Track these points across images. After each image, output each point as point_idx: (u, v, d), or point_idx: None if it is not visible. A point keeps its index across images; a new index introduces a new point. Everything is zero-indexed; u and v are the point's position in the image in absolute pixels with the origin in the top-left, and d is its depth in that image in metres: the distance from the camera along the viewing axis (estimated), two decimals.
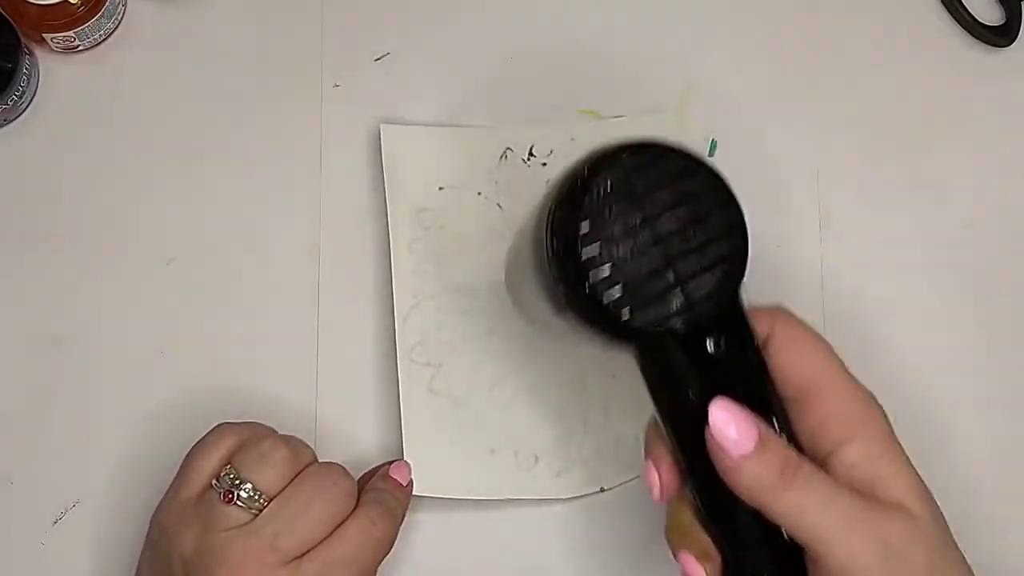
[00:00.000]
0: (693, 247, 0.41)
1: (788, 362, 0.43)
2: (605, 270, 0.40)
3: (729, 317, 0.42)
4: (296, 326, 0.57)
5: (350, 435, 0.56)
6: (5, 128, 0.58)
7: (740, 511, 0.41)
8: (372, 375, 0.56)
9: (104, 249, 0.57)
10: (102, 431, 0.55)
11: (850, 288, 0.59)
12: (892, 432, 0.42)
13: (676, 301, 0.40)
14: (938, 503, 0.42)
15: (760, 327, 0.43)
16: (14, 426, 0.56)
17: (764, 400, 0.42)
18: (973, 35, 0.61)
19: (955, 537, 0.42)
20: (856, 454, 0.41)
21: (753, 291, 0.42)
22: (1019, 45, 0.61)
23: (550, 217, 0.41)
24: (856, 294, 0.59)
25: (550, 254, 0.41)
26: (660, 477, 0.43)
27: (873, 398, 0.43)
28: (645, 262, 0.40)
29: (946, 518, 0.42)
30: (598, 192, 0.40)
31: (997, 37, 0.61)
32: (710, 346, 0.41)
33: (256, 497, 0.47)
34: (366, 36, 0.60)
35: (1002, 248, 0.60)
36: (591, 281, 0.40)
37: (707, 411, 0.40)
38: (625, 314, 0.40)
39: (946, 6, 0.62)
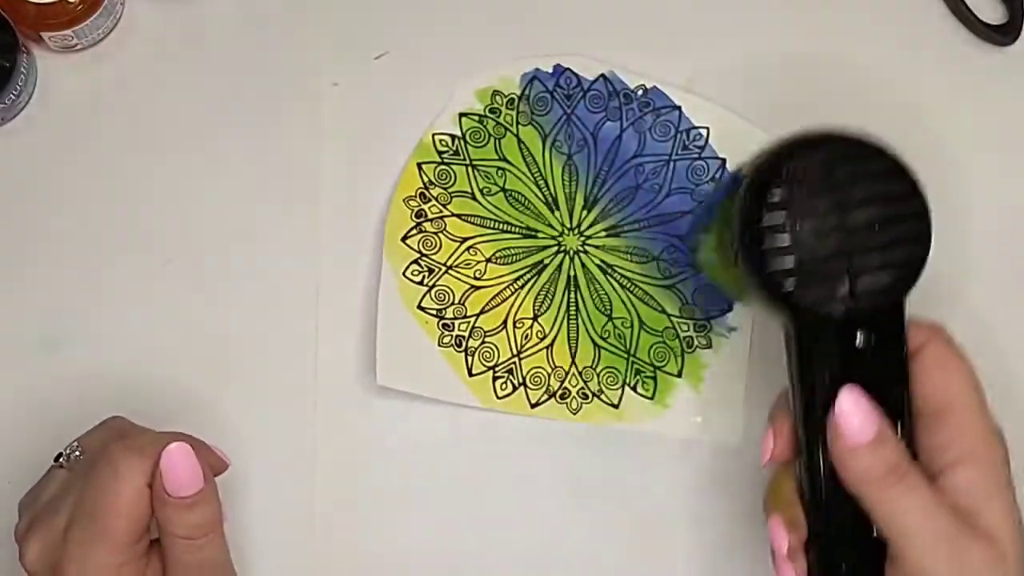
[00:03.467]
0: (874, 245, 0.43)
1: (931, 378, 0.44)
2: (784, 239, 0.42)
3: (888, 319, 0.44)
4: (295, 326, 0.57)
5: (350, 436, 0.56)
6: (3, 127, 0.58)
7: (840, 498, 0.43)
8: (374, 375, 0.56)
9: (102, 249, 0.57)
10: None
11: None
12: (1007, 470, 0.44)
13: (842, 289, 0.43)
14: None
15: (914, 338, 0.44)
16: (11, 427, 0.55)
17: (896, 405, 0.44)
18: (975, 34, 0.61)
19: None
20: (965, 479, 0.43)
21: None
22: (1021, 44, 0.61)
23: (750, 174, 0.44)
24: None
25: (738, 209, 0.43)
26: (775, 445, 0.45)
27: (1000, 434, 0.44)
28: (823, 244, 0.43)
29: None
30: (800, 168, 0.43)
31: (999, 36, 0.61)
32: (860, 340, 0.43)
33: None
34: (366, 36, 0.60)
35: (1004, 246, 0.60)
36: (766, 246, 0.42)
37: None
38: (788, 286, 0.43)
39: (948, 4, 0.62)
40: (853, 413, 0.42)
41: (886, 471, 0.42)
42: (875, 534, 0.43)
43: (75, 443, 0.48)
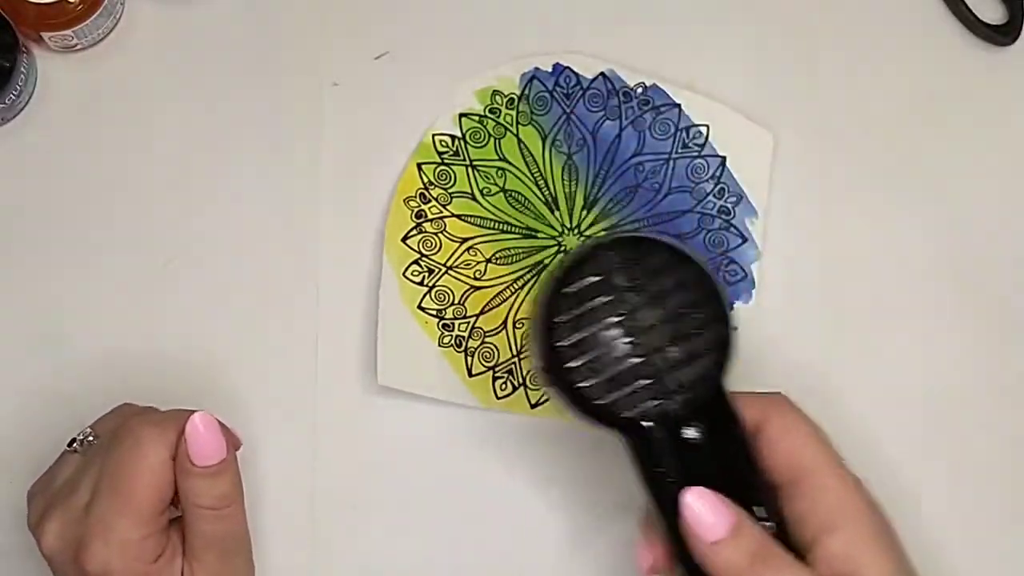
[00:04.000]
0: (674, 339, 0.42)
1: (779, 450, 0.43)
2: (581, 362, 0.42)
3: (712, 406, 0.43)
4: (295, 326, 0.57)
5: (350, 436, 0.56)
6: (3, 127, 0.58)
7: None
8: (374, 375, 0.56)
9: (101, 249, 0.57)
10: None
11: (849, 286, 0.59)
12: (882, 524, 0.43)
13: (656, 392, 0.42)
14: None
15: (753, 413, 0.44)
16: (11, 426, 0.55)
17: (748, 487, 0.43)
18: (975, 33, 0.61)
19: None
20: (839, 545, 0.42)
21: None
22: (1021, 44, 0.61)
23: (535, 307, 0.44)
24: (855, 293, 0.58)
25: (537, 339, 0.43)
26: (650, 559, 0.44)
27: (862, 490, 0.43)
28: (623, 352, 0.42)
29: None
30: (579, 286, 0.43)
31: (999, 36, 0.61)
32: (691, 434, 0.42)
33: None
34: (366, 35, 0.60)
35: (1004, 246, 0.60)
36: (567, 367, 0.42)
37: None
38: (601, 404, 0.42)
39: (948, 4, 0.62)
40: (702, 512, 0.41)
41: (751, 560, 0.40)
42: None
43: (88, 429, 0.49)
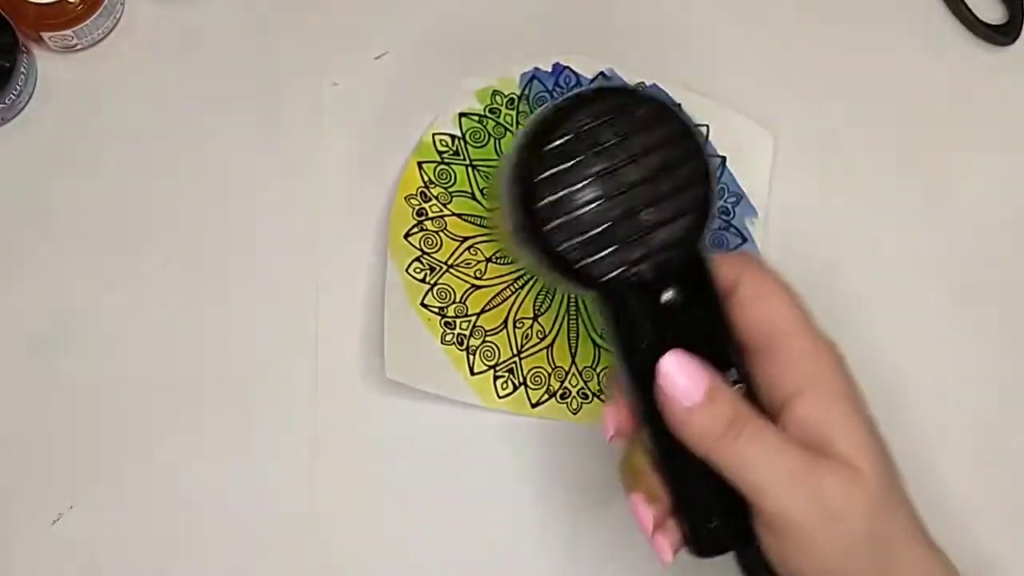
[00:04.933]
0: (656, 198, 0.40)
1: (750, 311, 0.42)
2: (561, 218, 0.40)
3: (690, 268, 0.41)
4: (295, 327, 0.57)
5: (349, 438, 0.56)
6: (3, 127, 0.58)
7: (691, 459, 0.41)
8: (374, 375, 0.56)
9: (101, 249, 0.57)
10: (100, 432, 0.55)
11: (849, 286, 0.59)
12: (850, 389, 0.42)
13: (635, 252, 0.40)
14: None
15: (726, 275, 0.42)
16: (11, 427, 0.55)
17: (722, 351, 0.42)
18: (975, 34, 0.61)
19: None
20: (808, 408, 0.41)
21: None
22: (1021, 44, 0.61)
23: (513, 161, 0.41)
24: (855, 292, 0.59)
25: (511, 199, 0.41)
26: (616, 420, 0.44)
27: (834, 353, 0.42)
28: (603, 211, 0.40)
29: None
30: (561, 138, 0.40)
31: (999, 36, 0.61)
32: (668, 296, 0.41)
33: None
34: (366, 36, 0.60)
35: (1004, 247, 0.60)
36: (547, 228, 0.40)
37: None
38: (579, 263, 0.40)
39: (948, 4, 0.62)
40: (677, 376, 0.40)
41: (726, 427, 0.40)
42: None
43: None
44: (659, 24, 0.60)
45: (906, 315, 0.58)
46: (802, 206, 0.59)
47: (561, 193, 0.40)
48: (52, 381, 0.56)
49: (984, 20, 0.61)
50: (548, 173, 0.40)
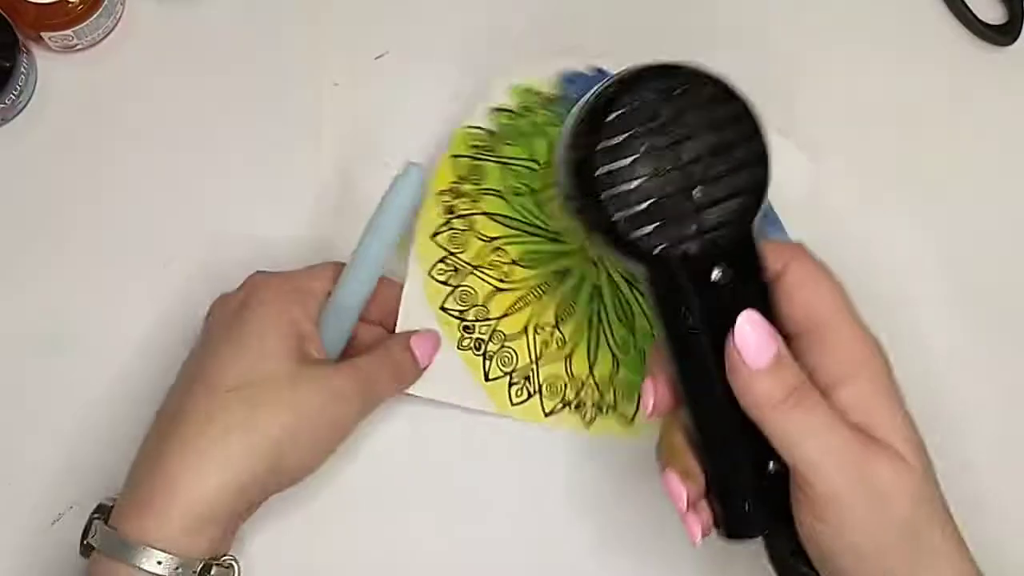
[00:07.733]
0: (712, 176, 0.41)
1: (797, 299, 0.43)
2: (619, 189, 0.41)
3: (740, 248, 0.42)
4: None
5: (351, 438, 0.56)
6: (3, 127, 0.58)
7: (731, 437, 0.42)
8: None
9: (102, 249, 0.57)
10: (101, 432, 0.55)
11: (849, 286, 0.58)
12: (892, 379, 0.43)
13: (688, 227, 0.41)
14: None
15: (774, 262, 0.43)
16: (12, 427, 0.55)
17: None
18: (975, 33, 0.61)
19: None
20: (852, 396, 0.42)
21: None
22: (1021, 44, 0.61)
23: (573, 132, 0.42)
24: (855, 292, 0.58)
25: (569, 165, 0.42)
26: (656, 396, 0.44)
27: (877, 344, 0.43)
28: (660, 185, 0.41)
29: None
30: (621, 112, 0.41)
31: (999, 36, 0.61)
32: (717, 275, 0.41)
33: None
34: (366, 35, 0.60)
35: (1003, 246, 0.60)
36: (602, 197, 0.41)
37: (713, 332, 0.41)
38: (632, 234, 0.41)
39: (948, 4, 0.62)
40: (752, 333, 0.40)
41: (786, 394, 0.40)
42: (771, 469, 0.42)
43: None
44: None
45: (905, 314, 0.58)
46: (802, 206, 0.59)
47: (619, 164, 0.41)
48: (52, 381, 0.56)
49: (984, 20, 0.61)
50: (608, 143, 0.41)
